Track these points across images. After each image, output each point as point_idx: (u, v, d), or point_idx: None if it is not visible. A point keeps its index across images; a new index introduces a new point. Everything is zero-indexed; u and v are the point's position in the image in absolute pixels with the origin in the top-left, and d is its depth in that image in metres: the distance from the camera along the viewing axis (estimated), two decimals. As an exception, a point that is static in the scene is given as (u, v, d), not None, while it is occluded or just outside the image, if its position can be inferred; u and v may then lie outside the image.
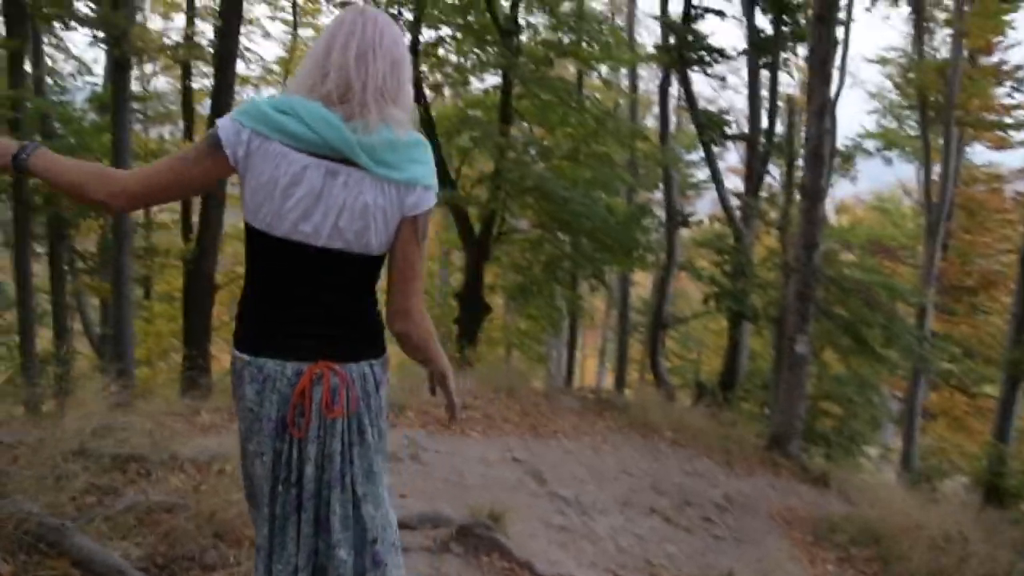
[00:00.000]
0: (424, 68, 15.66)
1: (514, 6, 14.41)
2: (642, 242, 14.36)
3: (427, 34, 15.35)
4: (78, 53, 16.31)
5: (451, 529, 4.88)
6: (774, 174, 15.79)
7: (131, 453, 4.11)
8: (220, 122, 1.99)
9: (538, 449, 9.08)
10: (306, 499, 2.01)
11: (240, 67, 16.32)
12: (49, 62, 14.05)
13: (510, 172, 13.78)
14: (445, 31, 15.51)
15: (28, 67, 11.36)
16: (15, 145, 1.97)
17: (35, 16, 10.40)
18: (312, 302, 2.02)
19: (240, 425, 2.08)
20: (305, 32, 18.41)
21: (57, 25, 11.74)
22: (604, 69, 17.36)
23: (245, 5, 16.98)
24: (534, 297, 15.16)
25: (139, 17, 15.28)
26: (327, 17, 18.08)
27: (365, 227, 1.97)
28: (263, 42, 51.47)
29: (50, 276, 12.46)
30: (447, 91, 16.57)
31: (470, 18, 14.93)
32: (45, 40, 12.67)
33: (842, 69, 14.74)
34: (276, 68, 18.39)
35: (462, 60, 15.65)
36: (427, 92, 15.44)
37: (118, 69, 9.99)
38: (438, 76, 15.75)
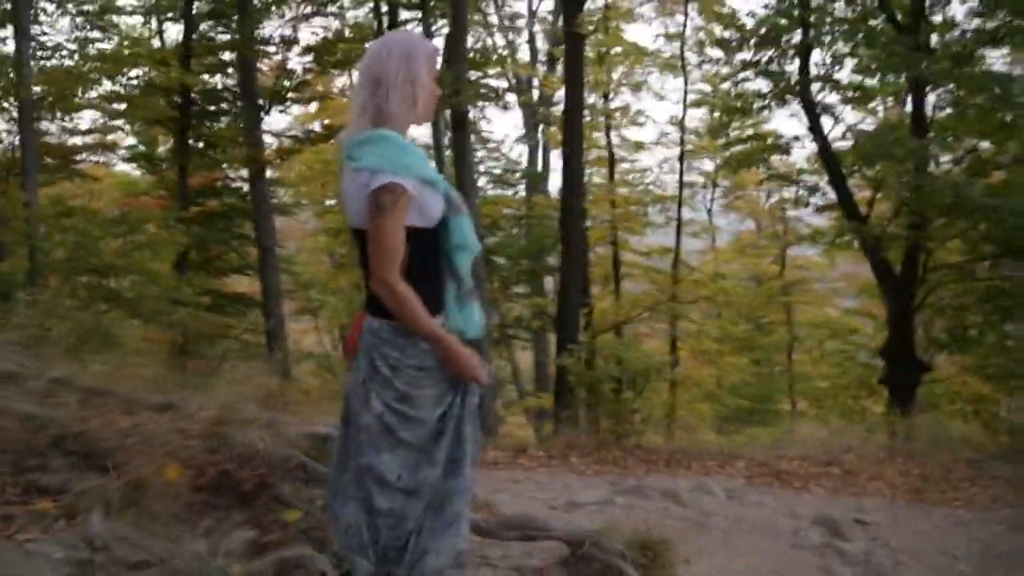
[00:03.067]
0: (821, 95, 13.84)
1: (914, -7, 12.01)
2: None
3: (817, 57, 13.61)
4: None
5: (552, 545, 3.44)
6: None
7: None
8: None
9: (908, 515, 6.72)
10: None
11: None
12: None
13: (926, 191, 11.22)
14: (840, 48, 13.57)
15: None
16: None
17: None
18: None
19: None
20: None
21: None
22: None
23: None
24: (973, 346, 11.88)
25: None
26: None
27: (352, 208, 2.43)
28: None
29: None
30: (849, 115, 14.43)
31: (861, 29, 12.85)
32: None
33: None
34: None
35: (863, 79, 13.50)
36: (823, 120, 13.52)
37: (457, 126, 10.36)
38: (835, 98, 13.75)
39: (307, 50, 12.09)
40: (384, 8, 13.33)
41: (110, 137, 15.46)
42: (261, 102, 11.80)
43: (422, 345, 2.38)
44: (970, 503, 7.39)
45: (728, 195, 23.04)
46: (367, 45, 2.67)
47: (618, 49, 18.62)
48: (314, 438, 3.51)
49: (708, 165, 21.04)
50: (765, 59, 13.86)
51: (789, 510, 5.92)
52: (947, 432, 11.95)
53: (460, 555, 2.42)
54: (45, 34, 12.89)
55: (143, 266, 9.90)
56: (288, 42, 11.99)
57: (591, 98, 19.35)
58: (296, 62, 12.49)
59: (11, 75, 10.27)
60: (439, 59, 2.54)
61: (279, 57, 12.34)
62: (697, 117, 19.64)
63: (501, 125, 78.86)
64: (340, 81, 19.83)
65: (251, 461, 3.15)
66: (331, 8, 12.55)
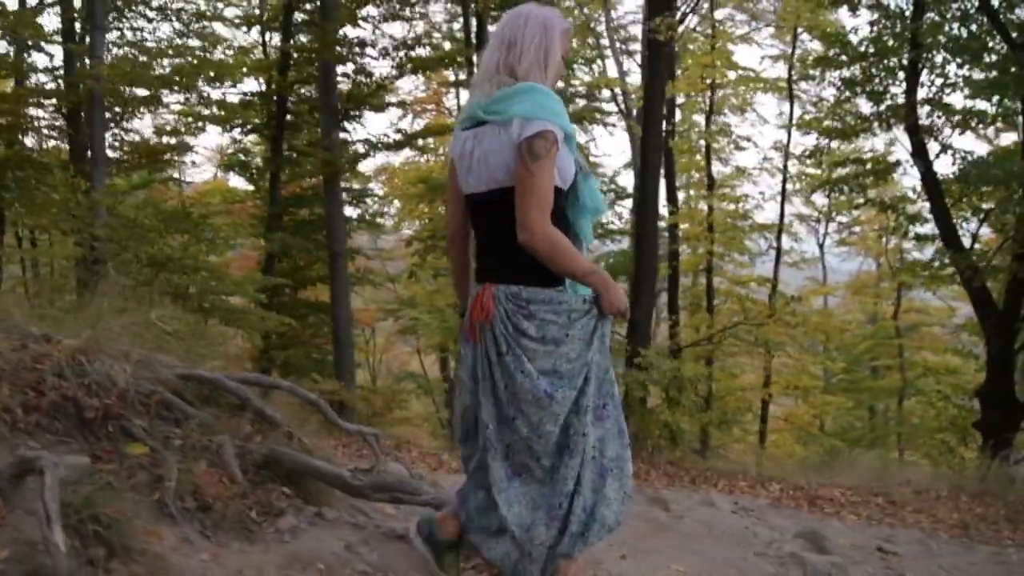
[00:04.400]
0: (929, 119, 12.91)
1: (1025, 6, 11.10)
2: None
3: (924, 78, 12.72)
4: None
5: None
6: None
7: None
8: None
9: (944, 550, 6.05)
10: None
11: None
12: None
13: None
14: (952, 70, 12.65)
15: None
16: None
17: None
18: (481, 238, 2.50)
19: None
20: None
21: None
22: None
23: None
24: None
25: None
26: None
27: (484, 172, 2.37)
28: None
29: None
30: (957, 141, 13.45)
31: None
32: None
33: None
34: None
35: (974, 103, 12.52)
36: (929, 146, 12.57)
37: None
38: (940, 121, 12.80)
39: (384, 53, 12.25)
40: (474, 23, 13.41)
41: (208, 144, 16.15)
42: (339, 107, 12.01)
43: (568, 293, 2.36)
44: (1024, 544, 6.59)
45: (843, 230, 21.94)
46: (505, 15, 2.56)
47: (732, 75, 18.15)
48: (191, 380, 3.42)
49: (820, 199, 20.11)
50: (867, 78, 13.12)
51: (795, 527, 5.41)
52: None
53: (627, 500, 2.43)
54: (144, 40, 13.68)
55: (198, 260, 10.16)
56: (364, 44, 12.18)
57: (696, 117, 18.98)
58: (374, 65, 12.68)
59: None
60: (571, 38, 2.57)
61: (360, 61, 12.54)
62: (803, 143, 18.86)
63: (605, 146, 79.34)
64: (449, 100, 20.09)
65: (105, 391, 3.08)
66: (417, 13, 12.61)
